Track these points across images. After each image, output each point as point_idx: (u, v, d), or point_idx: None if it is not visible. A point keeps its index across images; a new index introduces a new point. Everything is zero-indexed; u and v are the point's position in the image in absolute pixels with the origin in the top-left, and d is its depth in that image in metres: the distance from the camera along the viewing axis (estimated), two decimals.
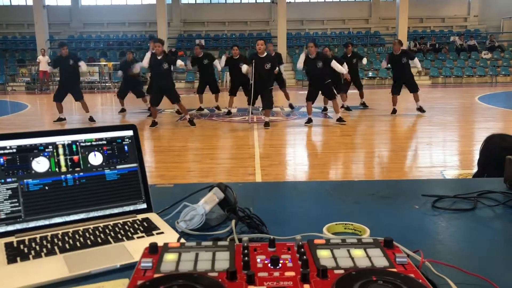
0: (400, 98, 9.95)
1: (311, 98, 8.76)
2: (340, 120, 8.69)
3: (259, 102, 8.89)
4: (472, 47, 22.03)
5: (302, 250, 0.75)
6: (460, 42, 22.24)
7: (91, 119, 9.52)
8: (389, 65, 10.08)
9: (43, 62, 17.88)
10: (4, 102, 15.23)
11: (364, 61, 11.35)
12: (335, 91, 8.98)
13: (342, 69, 8.93)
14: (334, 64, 8.64)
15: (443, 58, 21.60)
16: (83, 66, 9.36)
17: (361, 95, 10.98)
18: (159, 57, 8.29)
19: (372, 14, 24.91)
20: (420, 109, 9.74)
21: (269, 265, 0.71)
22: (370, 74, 20.68)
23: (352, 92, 10.96)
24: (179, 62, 8.52)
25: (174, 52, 22.08)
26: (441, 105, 11.79)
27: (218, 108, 10.98)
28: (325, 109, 10.35)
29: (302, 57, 8.74)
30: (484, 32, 24.02)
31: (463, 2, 25.12)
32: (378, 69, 20.42)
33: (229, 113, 10.24)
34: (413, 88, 9.65)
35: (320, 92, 8.76)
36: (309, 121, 8.72)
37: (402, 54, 9.66)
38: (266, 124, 8.49)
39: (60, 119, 9.43)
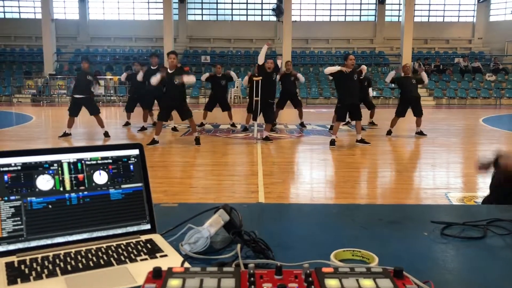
0: (404, 118, 9.90)
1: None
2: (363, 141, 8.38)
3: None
4: (476, 69, 22.10)
5: (310, 279, 0.73)
6: (465, 64, 22.32)
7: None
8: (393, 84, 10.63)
9: None
10: (10, 114, 15.30)
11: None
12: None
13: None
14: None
15: (447, 79, 21.66)
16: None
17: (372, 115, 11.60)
18: (171, 71, 7.96)
19: (376, 34, 25.10)
20: (421, 133, 9.61)
21: None
22: (374, 93, 20.70)
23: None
24: (187, 79, 8.09)
25: (180, 67, 22.28)
26: (445, 126, 11.77)
27: (233, 125, 10.91)
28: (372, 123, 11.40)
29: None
30: (488, 54, 24.14)
31: (467, 24, 25.31)
32: (382, 88, 20.47)
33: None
34: (418, 112, 9.49)
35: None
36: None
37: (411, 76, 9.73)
38: (266, 139, 8.56)
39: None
